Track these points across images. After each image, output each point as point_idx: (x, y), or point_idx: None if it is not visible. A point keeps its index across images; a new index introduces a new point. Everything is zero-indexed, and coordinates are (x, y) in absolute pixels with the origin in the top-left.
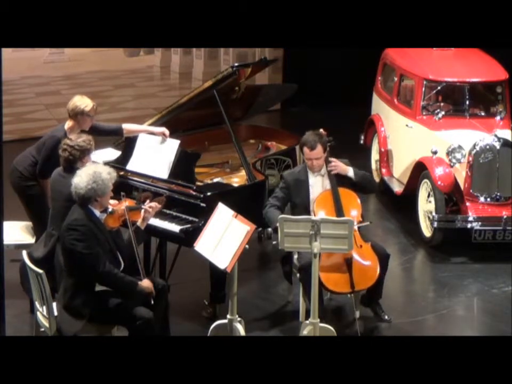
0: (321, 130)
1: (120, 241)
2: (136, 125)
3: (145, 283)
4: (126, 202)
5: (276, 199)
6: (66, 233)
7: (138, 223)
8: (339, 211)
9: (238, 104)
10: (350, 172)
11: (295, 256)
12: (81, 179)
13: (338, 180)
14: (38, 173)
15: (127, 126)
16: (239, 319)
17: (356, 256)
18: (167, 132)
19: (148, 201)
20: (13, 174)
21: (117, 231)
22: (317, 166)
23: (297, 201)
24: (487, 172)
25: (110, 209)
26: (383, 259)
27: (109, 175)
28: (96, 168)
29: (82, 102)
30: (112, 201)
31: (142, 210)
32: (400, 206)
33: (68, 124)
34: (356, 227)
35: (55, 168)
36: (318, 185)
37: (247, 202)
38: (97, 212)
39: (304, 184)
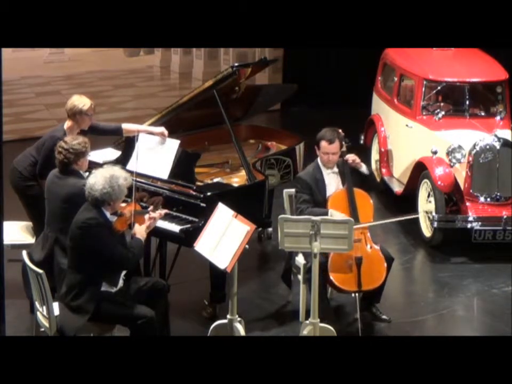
0: (339, 130)
1: (124, 243)
2: (136, 125)
3: (138, 232)
4: (133, 206)
5: (306, 202)
6: (80, 230)
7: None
8: (353, 210)
9: (238, 104)
10: (363, 167)
11: (297, 258)
12: (97, 181)
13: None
14: (37, 173)
15: (127, 126)
16: (239, 319)
17: (366, 257)
18: (166, 131)
19: (150, 207)
20: (12, 174)
21: (122, 234)
22: (332, 162)
23: (316, 200)
24: (487, 172)
25: (119, 212)
26: (388, 263)
27: (125, 180)
28: (114, 172)
29: (81, 102)
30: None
31: (147, 216)
32: (400, 206)
33: (67, 123)
34: (365, 224)
35: (55, 168)
36: (332, 183)
37: (247, 202)
38: (107, 214)
39: (320, 183)
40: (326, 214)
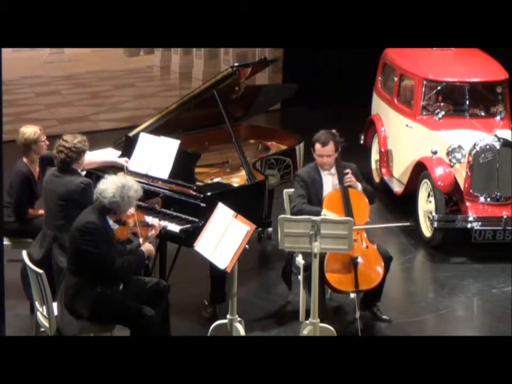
0: (333, 130)
1: (122, 252)
2: (96, 158)
3: (147, 246)
4: (132, 217)
5: (302, 197)
6: (78, 233)
7: (140, 241)
8: (348, 210)
9: (238, 104)
10: (359, 186)
11: (297, 258)
12: (108, 188)
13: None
14: (16, 213)
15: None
16: (239, 319)
17: (362, 257)
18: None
19: (151, 218)
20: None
21: (122, 242)
22: (327, 164)
23: (311, 199)
24: (487, 172)
25: (122, 221)
26: (386, 261)
27: (135, 193)
28: (127, 182)
29: (30, 132)
30: None
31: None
32: (400, 206)
33: (25, 158)
34: (365, 227)
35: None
36: (328, 184)
37: (247, 202)
38: (110, 221)
39: (317, 183)
40: (318, 212)
